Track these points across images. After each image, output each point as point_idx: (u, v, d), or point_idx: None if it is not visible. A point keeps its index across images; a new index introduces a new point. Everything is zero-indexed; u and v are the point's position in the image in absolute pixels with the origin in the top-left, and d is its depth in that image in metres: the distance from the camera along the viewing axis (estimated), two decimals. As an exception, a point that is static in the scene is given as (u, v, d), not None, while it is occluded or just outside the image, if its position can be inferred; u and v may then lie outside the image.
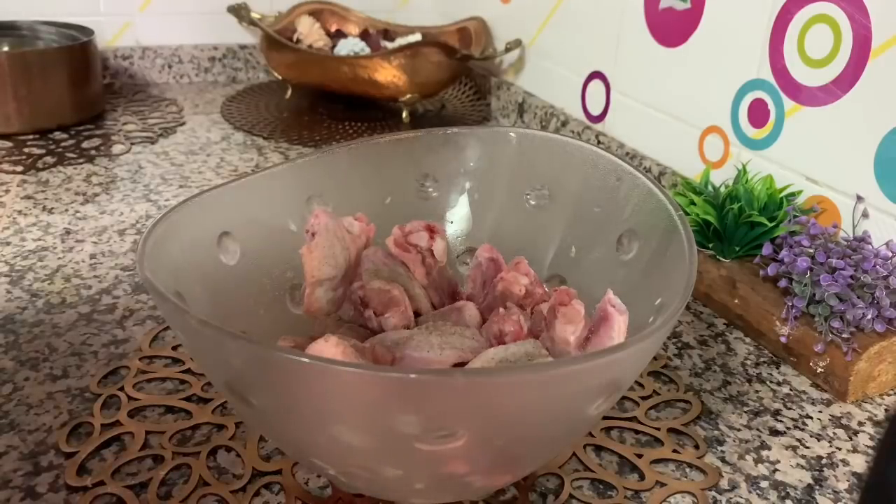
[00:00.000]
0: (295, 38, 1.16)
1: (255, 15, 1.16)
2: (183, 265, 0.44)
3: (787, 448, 0.51)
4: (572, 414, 0.39)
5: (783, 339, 0.59)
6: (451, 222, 0.59)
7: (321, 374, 0.34)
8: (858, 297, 0.56)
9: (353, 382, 0.34)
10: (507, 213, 0.58)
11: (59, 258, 0.70)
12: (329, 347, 0.39)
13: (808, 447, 0.51)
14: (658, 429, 0.52)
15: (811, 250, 0.60)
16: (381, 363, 0.43)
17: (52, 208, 0.80)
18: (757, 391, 0.57)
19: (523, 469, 0.44)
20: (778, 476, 0.49)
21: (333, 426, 0.36)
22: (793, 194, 0.68)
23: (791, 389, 0.57)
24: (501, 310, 0.48)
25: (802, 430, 0.53)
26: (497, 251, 0.54)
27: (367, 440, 0.37)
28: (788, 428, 0.53)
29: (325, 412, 0.36)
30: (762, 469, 0.49)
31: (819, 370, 0.57)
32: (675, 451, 0.50)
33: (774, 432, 0.53)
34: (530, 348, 0.44)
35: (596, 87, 0.94)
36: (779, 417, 0.54)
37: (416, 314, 0.51)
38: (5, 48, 1.09)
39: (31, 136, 0.98)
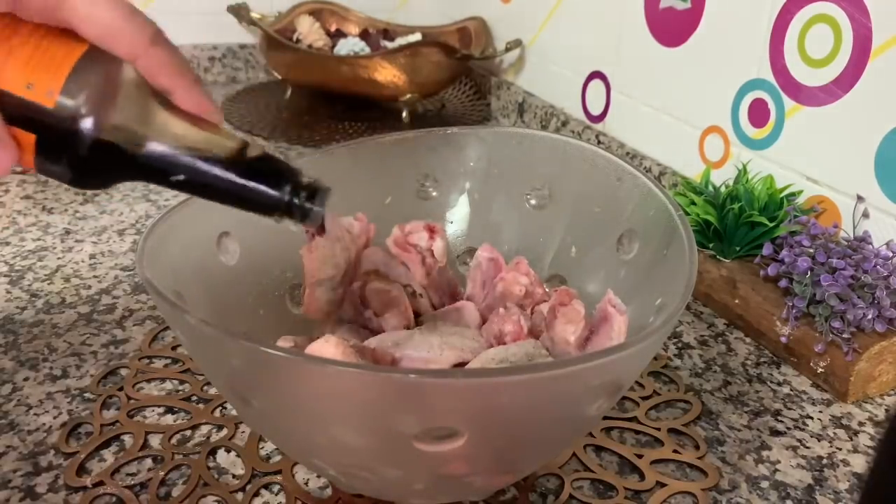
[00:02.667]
0: (295, 38, 1.16)
1: (254, 15, 1.16)
2: (183, 265, 0.44)
3: (787, 448, 0.51)
4: (573, 414, 0.39)
5: (783, 340, 0.59)
6: (451, 222, 0.59)
7: (321, 374, 0.34)
8: (859, 298, 0.56)
9: (352, 382, 0.34)
10: (507, 213, 0.58)
11: (59, 258, 0.70)
12: (329, 348, 0.39)
13: (808, 447, 0.51)
14: (658, 429, 0.52)
15: (811, 250, 0.59)
16: (381, 363, 0.43)
17: (52, 208, 0.80)
18: (757, 391, 0.57)
19: (524, 469, 0.44)
20: (778, 476, 0.49)
21: (333, 426, 0.36)
22: (793, 194, 0.68)
23: (791, 390, 0.57)
24: (501, 310, 0.48)
25: (803, 430, 0.53)
26: (497, 251, 0.54)
27: (366, 440, 0.37)
28: (789, 428, 0.53)
29: (324, 412, 0.36)
30: (762, 469, 0.49)
31: (819, 370, 0.57)
32: (675, 451, 0.50)
33: (775, 432, 0.53)
34: (530, 348, 0.44)
35: (596, 87, 0.94)
36: (779, 418, 0.54)
37: (416, 314, 0.51)
38: (5, 48, 1.09)
39: (30, 136, 0.98)
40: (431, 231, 0.53)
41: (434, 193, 0.59)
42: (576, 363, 0.38)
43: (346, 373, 0.34)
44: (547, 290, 0.53)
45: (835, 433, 0.53)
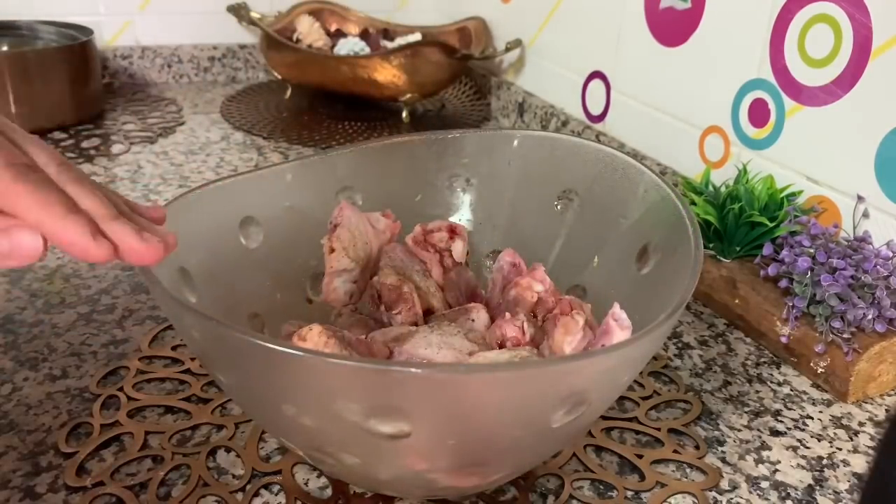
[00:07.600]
0: (295, 38, 1.16)
1: (254, 15, 1.16)
2: (198, 243, 0.46)
3: (787, 448, 0.51)
4: (531, 422, 0.38)
5: (784, 340, 0.59)
6: (480, 223, 0.59)
7: (264, 354, 0.35)
8: (859, 298, 0.56)
9: (298, 365, 0.34)
10: (536, 217, 0.58)
11: (59, 258, 0.70)
12: (313, 335, 0.40)
13: (808, 447, 0.51)
14: (658, 429, 0.52)
15: (812, 250, 0.59)
16: (376, 357, 0.43)
17: (52, 208, 0.80)
18: (757, 391, 0.57)
19: (488, 474, 0.43)
20: (778, 476, 0.49)
21: (283, 405, 0.38)
22: (793, 194, 0.68)
23: (791, 390, 0.57)
24: (507, 314, 0.48)
25: (803, 430, 0.53)
26: (519, 256, 0.53)
27: (317, 422, 0.38)
28: (789, 428, 0.53)
29: (274, 390, 0.37)
30: (763, 469, 0.49)
31: (820, 370, 0.57)
32: (675, 451, 0.50)
33: (775, 433, 0.53)
34: (524, 355, 0.44)
35: (596, 86, 0.94)
36: (779, 418, 0.54)
37: (430, 312, 0.51)
38: (5, 48, 1.09)
39: (30, 136, 0.98)
40: (452, 232, 0.54)
41: (467, 195, 0.59)
42: (517, 368, 0.37)
43: (287, 355, 0.34)
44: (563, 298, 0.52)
45: (835, 433, 0.53)
